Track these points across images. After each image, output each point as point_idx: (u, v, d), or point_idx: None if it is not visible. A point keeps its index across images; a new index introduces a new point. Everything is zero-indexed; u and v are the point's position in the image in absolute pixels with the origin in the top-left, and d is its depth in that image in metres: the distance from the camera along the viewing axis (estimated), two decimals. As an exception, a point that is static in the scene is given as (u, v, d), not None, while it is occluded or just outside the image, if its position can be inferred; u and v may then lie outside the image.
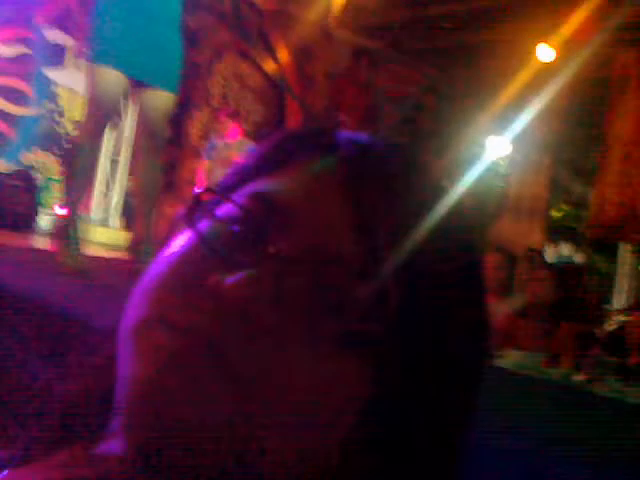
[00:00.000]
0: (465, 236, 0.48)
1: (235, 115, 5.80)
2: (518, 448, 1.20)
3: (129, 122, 6.19)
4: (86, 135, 2.77)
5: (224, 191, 0.47)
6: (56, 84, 6.47)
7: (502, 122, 7.33)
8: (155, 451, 0.39)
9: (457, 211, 0.47)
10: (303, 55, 6.84)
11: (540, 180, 8.41)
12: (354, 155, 0.46)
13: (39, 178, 6.31)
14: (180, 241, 0.45)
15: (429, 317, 0.43)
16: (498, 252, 3.91)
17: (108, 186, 6.59)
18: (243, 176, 0.48)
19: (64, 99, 6.52)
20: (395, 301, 0.41)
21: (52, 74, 6.44)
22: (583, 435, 1.32)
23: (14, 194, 5.81)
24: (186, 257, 0.43)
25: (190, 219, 0.44)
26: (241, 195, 0.45)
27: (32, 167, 6.35)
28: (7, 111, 6.20)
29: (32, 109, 6.37)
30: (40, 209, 6.04)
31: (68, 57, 6.49)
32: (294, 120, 6.79)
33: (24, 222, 5.69)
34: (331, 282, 0.41)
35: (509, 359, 2.51)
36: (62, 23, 6.36)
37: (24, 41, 6.24)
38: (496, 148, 8.14)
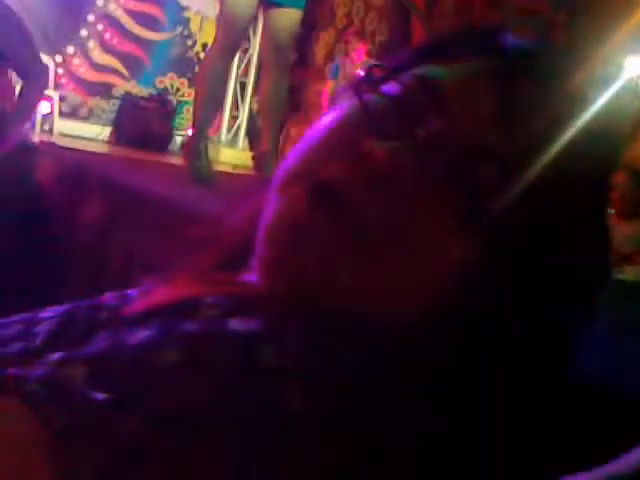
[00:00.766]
0: (594, 153, 0.50)
1: (360, 35, 5.78)
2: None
3: (257, 43, 6.30)
4: (217, 57, 2.88)
5: (393, 70, 0.51)
6: (187, 9, 6.64)
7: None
8: (284, 289, 0.45)
9: (592, 128, 0.49)
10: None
11: (682, 100, 7.91)
12: (515, 59, 0.49)
13: (173, 101, 6.57)
14: (342, 108, 0.49)
15: (547, 226, 0.46)
16: (628, 173, 3.77)
17: (237, 107, 6.76)
18: (411, 60, 0.52)
19: (195, 24, 6.69)
20: (520, 205, 0.45)
21: (183, -1, 6.62)
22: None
23: (149, 116, 6.10)
24: (346, 122, 0.48)
25: (357, 88, 0.49)
26: (405, 75, 0.49)
27: (166, 91, 6.61)
28: (142, 36, 6.45)
29: (165, 34, 6.59)
30: (174, 131, 6.32)
31: (199, -19, 6.63)
32: (419, 39, 6.67)
33: (160, 143, 5.99)
34: (471, 169, 0.45)
35: (631, 273, 2.49)
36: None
37: (156, -34, 6.43)
38: (634, 66, 7.70)
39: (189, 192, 2.49)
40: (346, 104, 0.49)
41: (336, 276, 0.44)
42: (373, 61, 5.56)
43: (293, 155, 0.49)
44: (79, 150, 3.66)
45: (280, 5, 2.90)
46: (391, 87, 0.48)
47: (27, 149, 2.86)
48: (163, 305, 0.48)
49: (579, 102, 0.50)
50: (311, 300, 0.44)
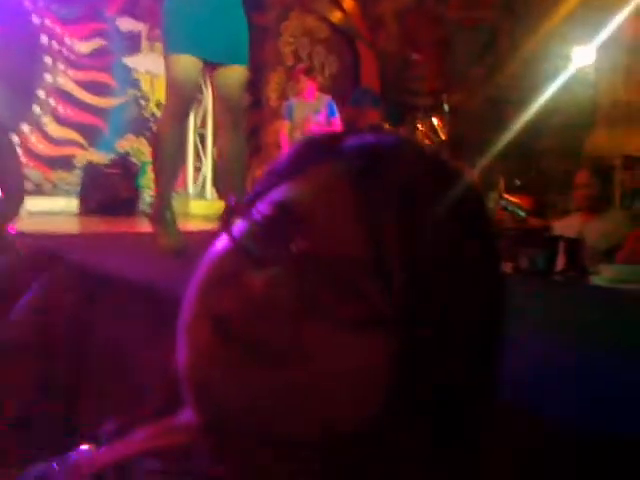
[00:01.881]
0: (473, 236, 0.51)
1: (310, 71, 5.82)
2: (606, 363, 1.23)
3: (209, 95, 6.34)
4: (170, 120, 2.89)
5: (256, 197, 0.53)
6: (136, 70, 6.69)
7: (585, 29, 7.01)
8: (213, 423, 0.48)
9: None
10: (368, -2, 6.76)
11: (633, 84, 8.02)
12: (360, 161, 0.50)
13: (135, 163, 6.59)
14: (220, 243, 0.52)
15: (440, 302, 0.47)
16: (590, 170, 3.81)
17: (200, 159, 6.78)
18: (271, 182, 0.54)
19: (146, 83, 6.74)
20: (403, 289, 0.46)
21: (130, 61, 6.66)
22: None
23: (114, 181, 6.11)
24: (224, 257, 0.50)
25: (226, 224, 0.52)
26: (265, 202, 0.51)
27: (127, 153, 6.63)
28: (94, 104, 6.47)
29: (118, 98, 6.62)
30: (140, 192, 6.32)
31: (143, 42, 6.69)
32: (368, 66, 6.74)
33: (127, 207, 5.99)
34: (344, 276, 0.46)
35: (606, 274, 2.48)
36: (132, 11, 6.55)
37: (99, 34, 6.48)
38: (581, 57, 7.81)
39: (160, 264, 2.48)
40: (220, 241, 0.52)
41: (253, 400, 0.47)
42: (325, 96, 5.60)
43: (189, 297, 0.51)
44: (46, 236, 3.65)
45: (224, 64, 2.92)
46: (255, 218, 0.51)
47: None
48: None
49: (431, 187, 0.50)
50: (236, 426, 0.47)
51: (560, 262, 2.94)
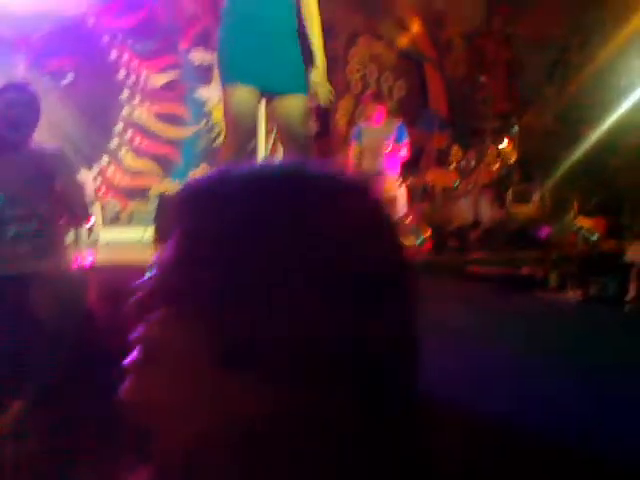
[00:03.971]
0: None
1: (378, 96, 5.82)
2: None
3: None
4: (229, 155, 2.89)
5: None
6: (207, 101, 6.85)
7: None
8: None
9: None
10: (435, 21, 6.73)
11: None
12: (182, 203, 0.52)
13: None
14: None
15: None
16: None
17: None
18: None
19: (217, 113, 6.87)
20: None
21: (202, 92, 6.83)
22: None
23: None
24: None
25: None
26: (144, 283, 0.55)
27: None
28: (168, 135, 6.66)
29: (190, 129, 6.79)
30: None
31: (214, 73, 6.84)
32: (436, 89, 6.72)
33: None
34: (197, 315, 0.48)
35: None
36: (203, 42, 6.71)
37: (173, 67, 6.68)
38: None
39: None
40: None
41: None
42: (394, 120, 5.57)
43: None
44: (120, 268, 3.76)
45: (282, 94, 2.90)
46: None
47: (77, 281, 2.96)
48: None
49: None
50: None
51: (632, 290, 2.85)
